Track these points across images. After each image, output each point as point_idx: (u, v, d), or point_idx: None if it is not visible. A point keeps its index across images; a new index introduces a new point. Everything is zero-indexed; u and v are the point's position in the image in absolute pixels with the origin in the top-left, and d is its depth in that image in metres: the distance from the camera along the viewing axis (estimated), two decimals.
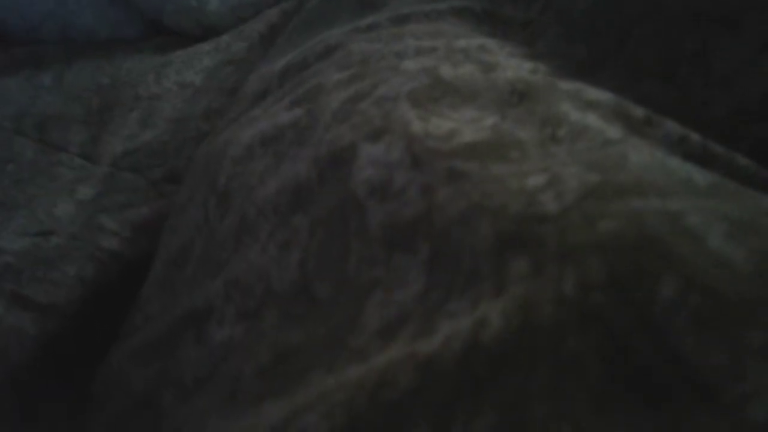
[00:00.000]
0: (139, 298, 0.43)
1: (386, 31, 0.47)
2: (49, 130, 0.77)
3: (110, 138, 0.76)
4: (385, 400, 0.19)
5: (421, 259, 0.22)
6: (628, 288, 0.18)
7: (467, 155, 0.25)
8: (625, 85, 0.33)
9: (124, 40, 0.98)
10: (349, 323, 0.22)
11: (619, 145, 0.25)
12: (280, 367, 0.23)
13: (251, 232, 0.32)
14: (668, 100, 0.32)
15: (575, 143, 0.25)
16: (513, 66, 0.36)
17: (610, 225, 0.20)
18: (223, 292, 0.31)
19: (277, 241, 0.30)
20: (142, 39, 0.99)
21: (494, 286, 0.20)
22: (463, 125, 0.27)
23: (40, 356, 0.48)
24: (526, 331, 0.18)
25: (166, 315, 0.36)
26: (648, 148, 0.25)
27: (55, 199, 0.66)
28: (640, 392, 0.17)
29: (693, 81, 0.33)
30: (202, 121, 0.76)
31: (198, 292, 0.34)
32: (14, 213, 0.63)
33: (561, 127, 0.26)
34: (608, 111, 0.29)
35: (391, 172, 0.26)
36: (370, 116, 0.31)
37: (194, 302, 0.34)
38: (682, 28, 0.35)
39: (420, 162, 0.25)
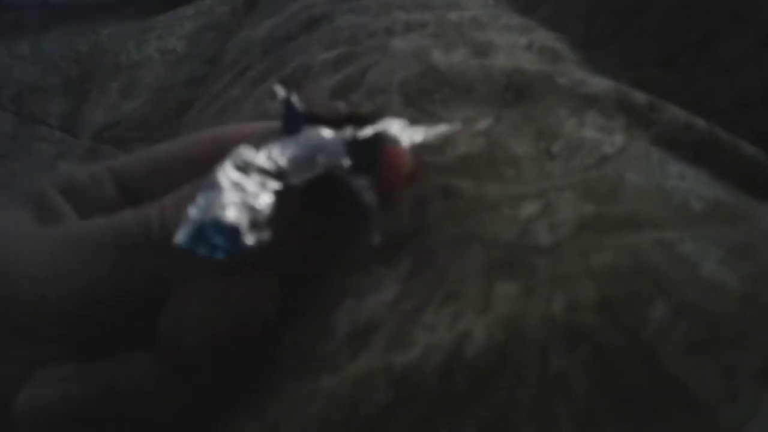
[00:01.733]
0: None
1: (373, 1, 0.46)
2: (27, 102, 0.75)
3: (91, 109, 0.74)
4: (362, 415, 0.18)
5: (401, 272, 0.22)
6: (619, 310, 0.17)
7: (461, 171, 0.24)
8: (624, 69, 0.32)
9: (103, 4, 0.96)
10: (318, 328, 0.21)
11: (616, 160, 0.24)
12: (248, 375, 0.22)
13: None
14: (669, 86, 0.32)
15: (570, 160, 0.25)
16: (507, 46, 0.34)
17: (605, 257, 0.19)
18: None
19: None
20: (123, 2, 0.96)
21: (479, 303, 0.19)
22: (456, 132, 0.26)
23: None
24: (511, 346, 0.18)
25: None
26: (648, 161, 0.24)
27: (36, 175, 0.65)
28: (629, 412, 0.16)
29: (697, 69, 0.33)
30: (184, 91, 0.74)
31: None
32: None
33: (556, 142, 0.26)
34: (609, 103, 0.28)
35: None
36: None
37: None
38: (686, 18, 0.34)
39: (414, 177, 0.25)
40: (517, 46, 0.36)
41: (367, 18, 0.43)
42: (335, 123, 0.21)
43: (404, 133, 0.23)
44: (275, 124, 0.24)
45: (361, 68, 0.34)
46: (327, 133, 0.21)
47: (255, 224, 0.19)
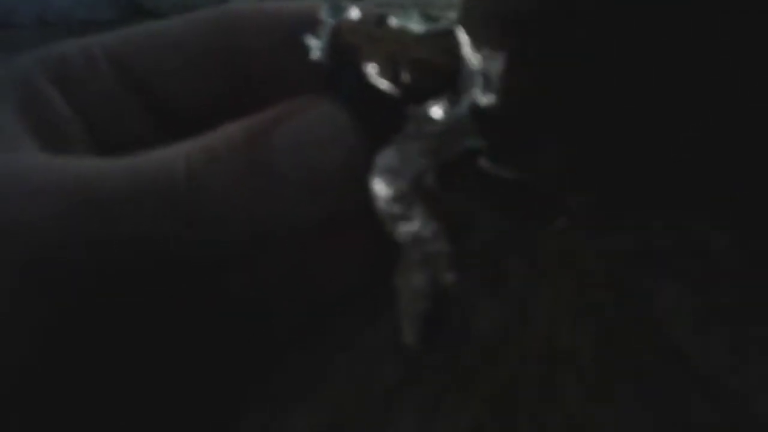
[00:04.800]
0: None
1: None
2: None
3: None
4: (374, 392, 0.18)
5: None
6: (628, 287, 0.18)
7: None
8: None
9: (100, 23, 0.96)
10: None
11: None
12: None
13: None
14: None
15: None
16: None
17: (615, 234, 0.19)
18: None
19: None
20: (120, 21, 0.97)
21: (486, 280, 0.20)
22: None
23: None
24: (517, 321, 0.18)
25: None
26: None
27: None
28: (638, 387, 0.16)
29: None
30: None
31: None
32: None
33: None
34: None
35: None
36: None
37: None
38: None
39: None
40: None
41: None
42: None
43: None
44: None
45: None
46: (437, 113, 0.17)
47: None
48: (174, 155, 0.17)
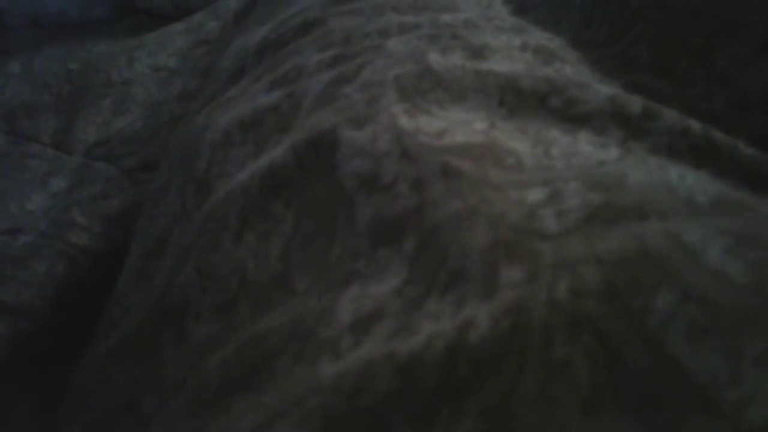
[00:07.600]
0: (116, 291, 0.42)
1: (367, 3, 0.46)
2: (19, 120, 0.74)
3: (83, 126, 0.73)
4: (364, 405, 0.18)
5: (406, 254, 0.21)
6: (624, 297, 0.18)
7: (461, 153, 0.24)
8: (616, 74, 0.32)
9: (94, 22, 0.96)
10: (320, 314, 0.21)
11: (617, 164, 0.25)
12: (241, 354, 0.22)
13: (225, 221, 0.31)
14: (663, 91, 0.32)
15: (570, 160, 0.25)
16: (502, 48, 0.34)
17: (610, 244, 0.19)
18: (198, 284, 0.30)
19: (256, 231, 0.29)
20: (113, 20, 0.96)
21: (483, 289, 0.19)
22: (453, 126, 0.26)
23: (11, 358, 0.47)
24: (514, 333, 0.18)
25: (145, 309, 0.35)
26: (646, 165, 0.24)
27: (29, 192, 0.64)
28: (633, 398, 0.16)
29: (692, 75, 0.33)
30: (176, 105, 0.74)
31: (175, 285, 0.33)
32: None
33: (553, 147, 0.26)
34: (602, 120, 0.28)
35: (379, 164, 0.25)
36: (354, 101, 0.29)
37: (172, 297, 0.32)
38: (682, 27, 0.34)
39: (409, 155, 0.24)
40: (512, 47, 0.36)
41: (360, 20, 0.42)
42: None
43: None
44: None
45: (356, 66, 0.34)
46: None
47: None
48: None
